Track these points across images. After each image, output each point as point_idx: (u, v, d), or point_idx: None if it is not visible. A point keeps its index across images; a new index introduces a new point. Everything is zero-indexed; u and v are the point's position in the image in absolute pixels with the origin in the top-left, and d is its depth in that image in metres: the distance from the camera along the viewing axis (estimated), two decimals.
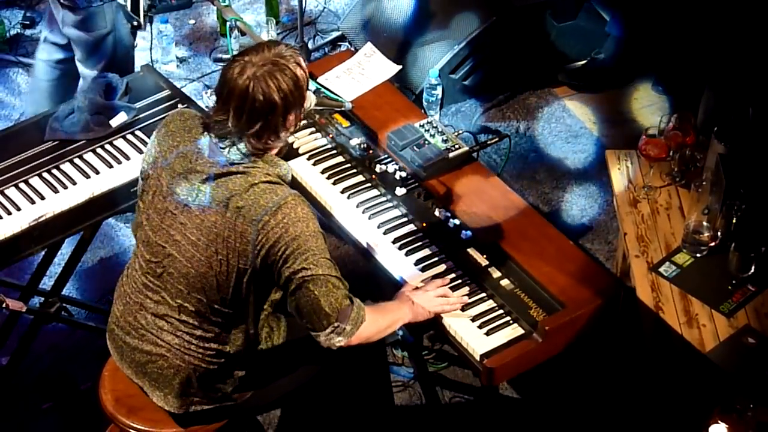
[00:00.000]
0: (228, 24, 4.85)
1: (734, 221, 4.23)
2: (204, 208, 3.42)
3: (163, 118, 4.50)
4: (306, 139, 4.58)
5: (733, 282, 4.12)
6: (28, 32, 6.85)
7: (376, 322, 3.61)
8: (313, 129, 4.63)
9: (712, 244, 4.23)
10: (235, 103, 3.36)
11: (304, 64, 3.47)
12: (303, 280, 3.41)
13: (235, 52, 3.57)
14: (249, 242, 3.37)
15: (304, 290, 3.42)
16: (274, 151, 3.54)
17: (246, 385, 3.75)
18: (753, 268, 4.12)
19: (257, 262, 3.40)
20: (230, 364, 3.68)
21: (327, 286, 3.44)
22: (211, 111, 3.47)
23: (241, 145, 3.43)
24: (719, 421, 3.70)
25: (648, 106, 6.05)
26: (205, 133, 3.50)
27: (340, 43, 6.55)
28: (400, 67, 4.85)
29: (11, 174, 4.34)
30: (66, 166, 4.40)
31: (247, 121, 3.38)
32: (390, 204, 4.35)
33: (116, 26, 5.21)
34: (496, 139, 5.29)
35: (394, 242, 4.19)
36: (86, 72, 5.33)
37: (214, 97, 3.51)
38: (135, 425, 3.71)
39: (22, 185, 4.31)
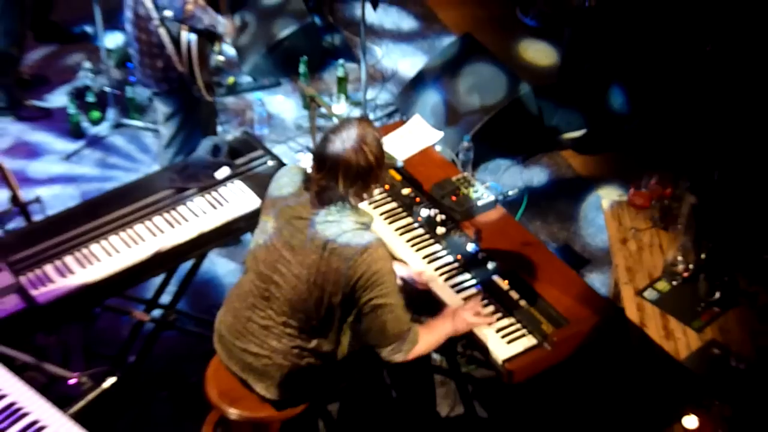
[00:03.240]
0: (309, 99, 4.90)
1: (703, 257, 4.23)
2: (306, 249, 3.44)
3: (262, 168, 4.65)
4: None
5: (702, 305, 4.11)
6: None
7: (427, 341, 3.63)
8: None
9: (686, 274, 4.22)
10: (340, 170, 3.36)
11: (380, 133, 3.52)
12: (375, 306, 3.44)
13: (326, 126, 3.60)
14: (342, 275, 3.39)
15: (376, 314, 3.45)
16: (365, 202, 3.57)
17: (326, 378, 3.80)
18: (718, 294, 4.12)
19: (347, 290, 3.42)
20: (318, 364, 3.72)
21: (393, 314, 3.47)
22: (314, 175, 3.46)
23: (341, 201, 3.45)
24: (691, 414, 3.70)
25: (635, 165, 6.04)
26: (308, 189, 3.52)
27: (394, 114, 6.56)
28: (442, 134, 4.88)
29: (140, 214, 4.38)
30: (181, 208, 4.43)
31: (351, 183, 3.39)
32: (432, 240, 4.36)
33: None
34: (516, 190, 5.32)
35: (435, 270, 4.21)
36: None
37: (308, 157, 3.54)
38: (237, 411, 3.74)
39: (147, 222, 4.35)
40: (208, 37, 4.86)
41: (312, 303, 3.50)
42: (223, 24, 4.86)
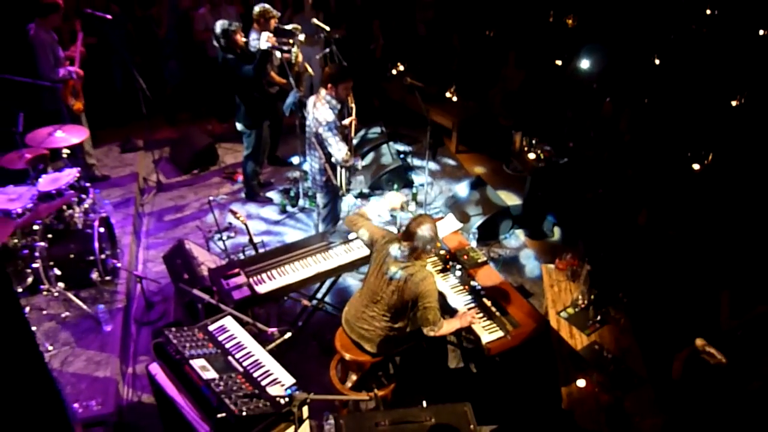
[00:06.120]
0: (401, 204, 4.91)
1: (592, 297, 4.14)
2: (398, 280, 3.48)
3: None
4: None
5: (590, 322, 4.03)
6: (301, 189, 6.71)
7: (447, 328, 3.60)
8: None
9: (583, 306, 4.14)
10: (416, 239, 3.44)
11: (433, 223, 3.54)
12: (426, 307, 3.44)
13: (411, 216, 3.63)
14: (413, 291, 3.42)
15: (426, 309, 3.45)
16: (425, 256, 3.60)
17: (398, 342, 3.76)
18: (599, 317, 4.03)
19: (415, 298, 3.45)
20: (396, 334, 3.70)
21: (434, 311, 3.46)
22: (401, 240, 3.51)
23: (415, 255, 3.49)
24: (581, 378, 3.58)
25: (560, 248, 5.92)
26: (395, 247, 3.55)
27: (439, 213, 6.49)
28: (462, 224, 4.86)
29: (310, 252, 4.38)
30: (330, 251, 4.42)
31: (422, 247, 3.46)
32: (453, 277, 4.33)
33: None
34: (498, 256, 5.24)
35: (454, 293, 4.17)
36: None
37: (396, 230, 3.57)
38: (349, 355, 3.74)
39: (313, 256, 4.35)
40: (349, 170, 4.94)
41: (399, 304, 3.52)
42: (343, 151, 4.71)
